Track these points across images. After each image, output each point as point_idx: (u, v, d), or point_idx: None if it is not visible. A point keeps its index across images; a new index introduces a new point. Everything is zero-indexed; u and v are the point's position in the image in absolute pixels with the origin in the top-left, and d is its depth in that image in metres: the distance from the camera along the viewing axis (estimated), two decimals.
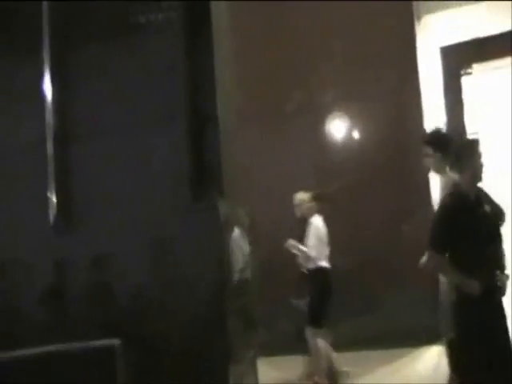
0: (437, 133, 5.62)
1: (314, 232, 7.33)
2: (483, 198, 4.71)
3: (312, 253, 7.24)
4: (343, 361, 7.17)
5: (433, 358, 7.56)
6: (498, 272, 4.58)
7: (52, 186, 4.89)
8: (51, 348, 4.42)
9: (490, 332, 4.43)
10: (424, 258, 4.68)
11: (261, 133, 9.48)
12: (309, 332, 7.00)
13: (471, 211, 4.54)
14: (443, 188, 5.28)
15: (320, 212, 7.51)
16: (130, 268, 4.80)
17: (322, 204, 7.64)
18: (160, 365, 4.69)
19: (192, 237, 4.73)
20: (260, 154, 9.33)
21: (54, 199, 4.91)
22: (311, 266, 7.29)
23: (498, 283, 4.55)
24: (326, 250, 7.41)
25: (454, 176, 4.79)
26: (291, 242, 7.29)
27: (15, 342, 4.57)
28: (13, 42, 5.08)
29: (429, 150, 5.43)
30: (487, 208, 4.65)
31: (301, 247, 7.27)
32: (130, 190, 4.86)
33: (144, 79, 4.89)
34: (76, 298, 4.87)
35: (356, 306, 9.15)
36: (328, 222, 7.53)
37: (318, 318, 7.07)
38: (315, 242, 7.29)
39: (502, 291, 4.58)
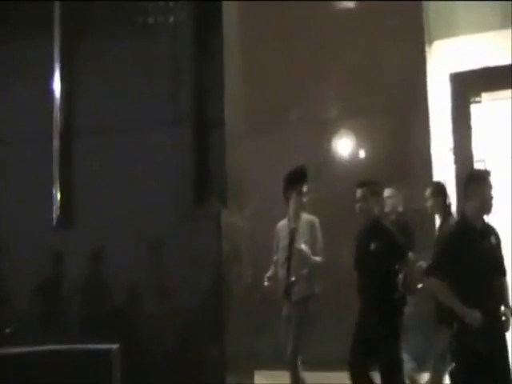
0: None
1: None
2: (489, 229, 4.63)
3: None
4: None
5: None
6: (502, 306, 4.50)
7: (56, 180, 4.88)
8: (47, 347, 4.40)
9: (490, 364, 4.32)
10: (423, 283, 4.65)
11: (262, 143, 9.44)
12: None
13: (475, 242, 4.47)
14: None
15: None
16: (126, 268, 4.77)
17: None
18: (154, 369, 4.64)
19: (191, 242, 4.70)
20: (260, 165, 9.27)
21: (58, 194, 4.90)
22: None
23: (503, 318, 4.46)
24: None
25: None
26: None
27: (10, 337, 4.56)
28: (23, 37, 5.10)
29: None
30: (493, 240, 4.58)
31: None
32: (132, 190, 4.84)
33: (151, 80, 4.89)
34: (71, 295, 4.85)
35: None
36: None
37: None
38: None
39: (506, 325, 4.48)
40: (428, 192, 6.37)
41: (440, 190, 6.40)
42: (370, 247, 5.23)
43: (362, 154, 9.90)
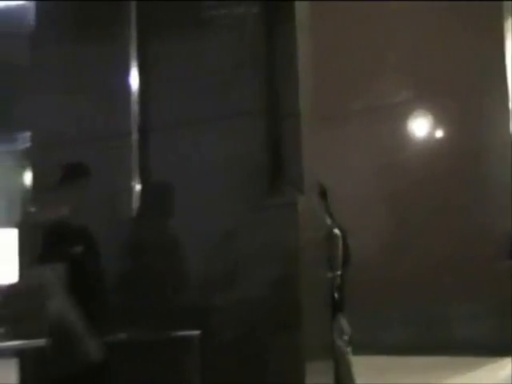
0: None
1: None
2: None
3: None
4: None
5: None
6: None
7: (136, 175, 5.00)
8: (126, 336, 4.55)
9: None
10: None
11: (326, 132, 9.44)
12: None
13: None
14: None
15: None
16: (202, 258, 4.86)
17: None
18: (230, 358, 4.71)
19: (267, 231, 4.74)
20: (325, 153, 9.27)
21: (137, 188, 5.03)
22: None
23: None
24: None
25: None
26: None
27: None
28: (101, 36, 5.22)
29: None
30: None
31: None
32: (208, 181, 4.91)
33: (225, 72, 4.94)
34: (150, 285, 4.96)
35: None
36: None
37: None
38: None
39: None
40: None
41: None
42: None
43: (434, 139, 9.78)
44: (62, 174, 4.47)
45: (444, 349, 8.80)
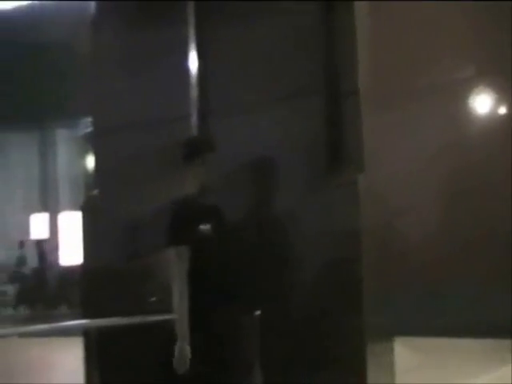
0: None
1: None
2: None
3: None
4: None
5: None
6: None
7: None
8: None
9: None
10: None
11: (387, 111, 9.32)
12: None
13: None
14: None
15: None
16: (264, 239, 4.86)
17: None
18: (292, 339, 4.73)
19: (327, 211, 4.74)
20: (389, 134, 9.17)
21: None
22: None
23: None
24: None
25: None
26: None
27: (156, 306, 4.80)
28: (159, 20, 5.27)
29: None
30: None
31: None
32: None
33: (282, 52, 4.93)
34: None
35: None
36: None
37: None
38: None
39: None
40: None
41: None
42: None
43: (496, 116, 9.57)
44: (189, 150, 4.34)
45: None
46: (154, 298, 5.20)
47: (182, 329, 4.02)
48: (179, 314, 4.05)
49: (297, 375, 4.69)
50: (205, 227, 4.19)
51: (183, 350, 4.01)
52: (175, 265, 4.09)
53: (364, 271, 4.71)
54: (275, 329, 4.57)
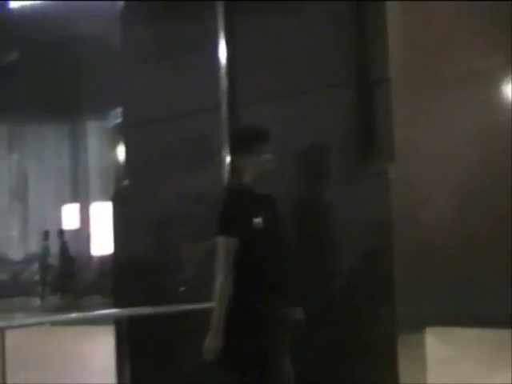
0: None
1: None
2: None
3: None
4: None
5: None
6: None
7: (225, 146, 5.07)
8: None
9: None
10: None
11: (419, 100, 9.25)
12: None
13: None
14: None
15: None
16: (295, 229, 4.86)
17: None
18: (320, 331, 4.73)
19: (358, 201, 4.71)
20: (420, 123, 9.11)
21: (227, 159, 5.08)
22: None
23: None
24: None
25: None
26: None
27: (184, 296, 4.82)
28: (188, 12, 5.29)
29: None
30: None
31: None
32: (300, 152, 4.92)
33: (312, 42, 4.90)
34: None
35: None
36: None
37: None
38: None
39: None
40: None
41: None
42: None
43: None
44: (245, 139, 4.24)
45: None
46: (183, 288, 5.24)
47: (218, 318, 4.03)
48: (218, 303, 4.04)
49: (328, 365, 4.69)
50: (257, 220, 4.16)
51: (215, 339, 4.03)
52: (222, 255, 4.07)
53: (395, 261, 4.68)
54: (309, 319, 4.57)
